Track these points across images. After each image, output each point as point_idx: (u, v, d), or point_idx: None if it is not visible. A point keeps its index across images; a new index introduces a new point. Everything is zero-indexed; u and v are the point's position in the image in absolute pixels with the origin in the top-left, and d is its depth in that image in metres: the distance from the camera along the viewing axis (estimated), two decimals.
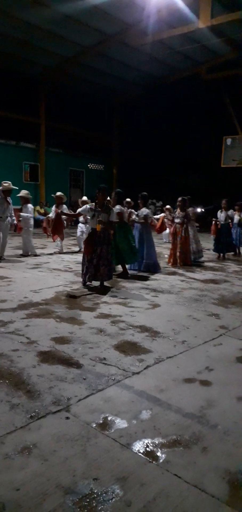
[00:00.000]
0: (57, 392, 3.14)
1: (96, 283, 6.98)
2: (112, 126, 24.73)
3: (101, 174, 25.06)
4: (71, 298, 6.12)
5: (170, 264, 9.79)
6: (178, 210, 10.04)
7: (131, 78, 21.36)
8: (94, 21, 15.84)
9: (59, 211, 10.13)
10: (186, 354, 4.11)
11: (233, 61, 18.62)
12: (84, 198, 12.68)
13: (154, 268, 8.76)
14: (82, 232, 11.38)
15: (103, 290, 6.70)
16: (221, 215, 11.52)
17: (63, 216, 10.50)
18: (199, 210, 24.58)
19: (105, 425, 2.72)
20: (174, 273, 8.70)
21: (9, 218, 9.59)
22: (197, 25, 14.86)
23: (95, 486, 2.15)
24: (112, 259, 7.10)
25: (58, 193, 11.43)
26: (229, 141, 19.76)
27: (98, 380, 3.37)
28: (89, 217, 7.16)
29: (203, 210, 23.58)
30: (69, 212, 10.82)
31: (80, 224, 11.77)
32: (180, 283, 7.68)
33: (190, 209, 10.56)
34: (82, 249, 8.01)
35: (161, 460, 2.39)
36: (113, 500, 2.06)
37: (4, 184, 9.44)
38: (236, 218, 12.23)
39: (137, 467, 2.31)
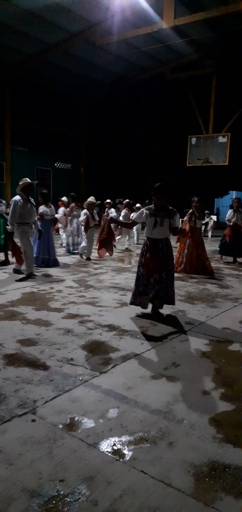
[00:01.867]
0: (23, 395, 3.09)
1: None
2: (80, 125, 24.63)
3: (68, 173, 24.90)
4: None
5: (185, 271, 8.64)
6: (196, 211, 8.84)
7: (97, 77, 21.35)
8: (58, 19, 15.72)
9: (108, 217, 7.40)
10: (153, 351, 4.15)
11: (197, 61, 18.99)
12: (64, 198, 12.72)
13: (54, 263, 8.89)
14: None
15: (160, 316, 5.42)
16: (236, 215, 10.55)
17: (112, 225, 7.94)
18: None
19: (72, 426, 2.71)
20: None
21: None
22: (161, 25, 15.03)
23: (62, 488, 2.13)
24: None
25: (90, 198, 10.23)
26: (194, 140, 20.11)
27: (65, 381, 3.35)
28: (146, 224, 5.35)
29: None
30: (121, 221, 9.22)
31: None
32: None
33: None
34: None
35: (127, 458, 2.41)
36: (80, 500, 2.05)
37: (20, 182, 7.47)
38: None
39: (104, 466, 2.32)
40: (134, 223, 5.95)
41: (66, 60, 18.88)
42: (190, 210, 8.93)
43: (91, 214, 10.01)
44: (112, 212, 13.82)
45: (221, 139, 19.28)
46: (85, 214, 10.10)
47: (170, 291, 5.31)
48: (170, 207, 5.28)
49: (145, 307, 5.46)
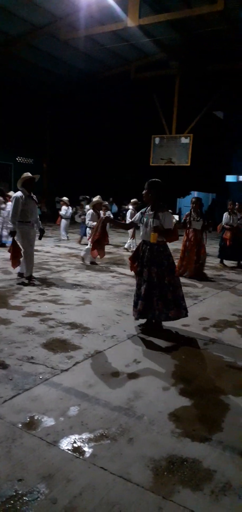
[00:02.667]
0: None
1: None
2: (44, 120, 24.22)
3: (30, 168, 24.43)
4: None
5: (182, 275, 8.19)
6: (194, 213, 8.50)
7: (62, 73, 21.07)
8: (21, 11, 15.36)
9: (103, 217, 6.37)
10: (115, 348, 4.17)
11: (161, 61, 19.18)
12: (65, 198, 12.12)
13: None
14: None
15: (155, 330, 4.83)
16: (234, 218, 10.30)
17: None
18: (131, 207, 25.14)
19: (31, 425, 2.67)
20: (105, 270, 8.78)
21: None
22: (126, 24, 15.06)
23: (20, 487, 2.10)
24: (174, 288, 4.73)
25: (97, 198, 9.63)
26: (157, 140, 20.32)
27: (25, 379, 3.30)
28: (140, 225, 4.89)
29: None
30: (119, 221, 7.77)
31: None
32: (111, 279, 7.78)
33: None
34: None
35: (88, 455, 2.41)
36: (38, 499, 2.03)
37: (22, 177, 6.88)
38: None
39: (64, 464, 2.31)
40: (132, 224, 5.36)
41: (30, 53, 18.48)
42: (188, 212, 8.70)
43: (97, 215, 9.33)
44: (110, 215, 13.31)
45: (184, 140, 19.61)
46: (91, 214, 9.39)
47: (160, 304, 4.61)
48: (160, 205, 4.74)
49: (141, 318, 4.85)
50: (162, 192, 4.81)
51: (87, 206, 13.36)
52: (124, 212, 23.33)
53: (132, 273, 5.08)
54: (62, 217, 14.21)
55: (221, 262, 10.48)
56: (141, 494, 2.13)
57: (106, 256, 10.70)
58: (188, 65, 18.90)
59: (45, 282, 7.00)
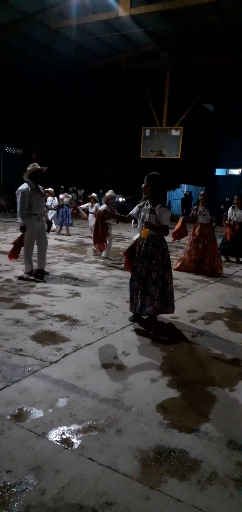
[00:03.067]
0: None
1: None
2: (33, 110, 23.97)
3: (20, 159, 24.20)
4: None
5: (182, 268, 8.23)
6: (201, 206, 8.32)
7: (52, 62, 20.83)
8: None
9: (101, 210, 6.66)
10: (104, 340, 4.19)
11: (153, 53, 19.09)
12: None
13: None
14: None
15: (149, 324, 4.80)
16: (237, 213, 10.07)
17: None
18: (120, 199, 25.09)
19: (20, 416, 2.68)
20: (95, 262, 8.78)
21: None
22: (118, 13, 14.94)
23: (8, 479, 2.12)
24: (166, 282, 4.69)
25: (110, 192, 9.57)
26: (148, 132, 20.28)
27: (13, 371, 3.30)
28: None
29: (124, 199, 24.07)
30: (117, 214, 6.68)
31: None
32: (100, 271, 7.78)
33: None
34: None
35: (76, 446, 2.44)
36: (27, 490, 2.05)
37: (28, 168, 6.68)
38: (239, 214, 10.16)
39: (52, 455, 2.33)
40: (130, 217, 5.08)
41: (19, 41, 18.21)
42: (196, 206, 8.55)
43: (110, 209, 9.09)
44: (98, 207, 13.05)
45: (174, 133, 19.60)
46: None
47: (144, 298, 4.59)
48: (157, 200, 4.69)
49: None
50: (161, 186, 4.77)
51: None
52: (115, 204, 23.27)
53: (122, 265, 5.07)
54: (48, 208, 14.12)
55: (227, 258, 10.21)
56: (128, 484, 2.16)
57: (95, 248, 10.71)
58: (179, 57, 18.86)
59: (34, 274, 6.97)
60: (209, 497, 2.11)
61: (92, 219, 12.69)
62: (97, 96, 22.31)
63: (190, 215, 8.63)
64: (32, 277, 6.64)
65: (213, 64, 18.96)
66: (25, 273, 6.74)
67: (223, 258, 9.60)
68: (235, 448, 2.54)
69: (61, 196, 14.18)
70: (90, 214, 12.30)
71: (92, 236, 12.65)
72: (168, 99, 19.95)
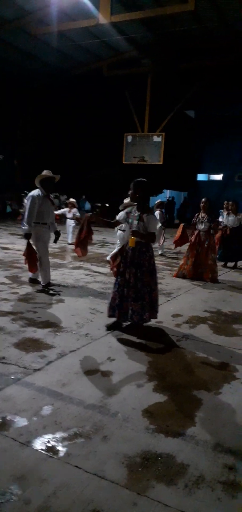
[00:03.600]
0: None
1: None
2: (15, 116, 23.79)
3: (1, 165, 23.93)
4: None
5: (187, 276, 8.15)
6: (202, 213, 8.31)
7: (33, 68, 20.76)
8: None
9: (88, 215, 5.66)
10: (89, 346, 4.16)
11: (134, 59, 19.24)
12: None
13: None
14: None
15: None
16: (229, 218, 10.11)
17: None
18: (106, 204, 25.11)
19: (3, 425, 2.62)
20: (79, 267, 8.73)
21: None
22: (98, 21, 15.01)
23: None
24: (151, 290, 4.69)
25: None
26: (130, 138, 20.39)
27: None
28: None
29: (107, 205, 24.08)
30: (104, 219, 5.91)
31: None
32: (84, 277, 7.74)
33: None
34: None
35: (62, 454, 2.40)
36: (11, 500, 2.00)
37: (41, 174, 6.45)
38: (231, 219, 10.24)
39: (37, 464, 2.28)
40: (117, 222, 5.00)
41: None
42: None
43: (161, 214, 8.77)
44: (76, 213, 13.01)
45: (156, 139, 19.76)
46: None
47: (135, 306, 4.56)
48: (145, 207, 4.66)
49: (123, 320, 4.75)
50: (149, 193, 4.74)
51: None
52: (97, 210, 23.25)
53: (106, 271, 5.05)
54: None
55: (225, 265, 10.15)
56: (115, 491, 2.13)
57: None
58: (160, 64, 19.06)
59: (17, 281, 6.89)
60: (197, 501, 2.11)
61: (69, 225, 12.60)
62: (79, 102, 22.32)
63: (192, 222, 8.58)
64: (50, 287, 6.42)
65: (194, 71, 19.25)
66: (43, 285, 6.45)
67: (220, 264, 9.73)
68: (222, 451, 2.54)
69: None
70: (67, 220, 12.30)
71: (70, 241, 12.59)
72: (149, 106, 20.12)
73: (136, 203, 4.73)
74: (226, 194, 21.38)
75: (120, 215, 4.87)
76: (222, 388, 3.40)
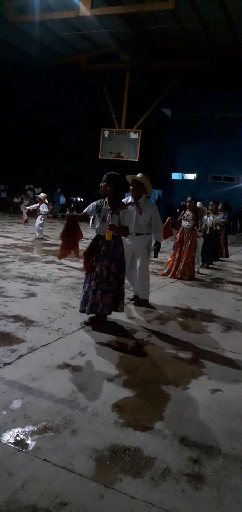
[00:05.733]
0: None
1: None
2: None
3: None
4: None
5: (169, 275, 8.20)
6: (188, 211, 8.39)
7: (8, 56, 20.35)
8: None
9: (68, 212, 5.52)
10: (60, 341, 4.16)
11: (112, 54, 19.22)
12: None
13: None
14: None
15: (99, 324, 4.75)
16: (208, 218, 10.09)
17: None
18: (79, 199, 24.96)
19: None
20: (52, 262, 8.68)
21: None
22: (78, 13, 14.90)
23: None
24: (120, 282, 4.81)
25: (42, 194, 10.62)
26: (106, 133, 20.37)
27: None
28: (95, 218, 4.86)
29: (82, 199, 23.99)
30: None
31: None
32: (57, 271, 7.71)
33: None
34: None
35: (30, 448, 2.41)
36: None
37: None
38: (210, 220, 10.34)
39: (6, 458, 2.29)
40: (85, 215, 4.97)
41: None
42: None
43: None
44: (44, 208, 12.90)
45: (133, 135, 19.83)
46: None
47: (104, 298, 4.62)
48: (118, 201, 4.74)
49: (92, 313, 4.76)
50: (121, 186, 4.79)
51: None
52: (73, 204, 23.10)
53: (80, 265, 5.01)
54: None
55: (207, 265, 10.31)
56: (83, 484, 2.17)
57: (53, 248, 10.61)
58: (139, 60, 19.11)
59: None
60: (162, 493, 2.17)
61: (39, 219, 12.53)
62: (55, 94, 22.09)
63: (178, 219, 8.66)
64: None
65: (171, 69, 19.43)
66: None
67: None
68: (187, 444, 2.62)
69: None
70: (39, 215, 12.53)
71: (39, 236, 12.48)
72: (127, 102, 20.16)
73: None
74: (200, 194, 21.73)
75: (89, 207, 4.87)
76: (190, 383, 3.50)
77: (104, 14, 15.10)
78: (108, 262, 4.62)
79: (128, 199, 5.82)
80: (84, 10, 14.64)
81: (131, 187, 5.74)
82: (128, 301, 5.83)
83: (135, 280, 5.98)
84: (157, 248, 5.89)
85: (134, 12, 14.99)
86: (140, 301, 5.91)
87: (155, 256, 5.91)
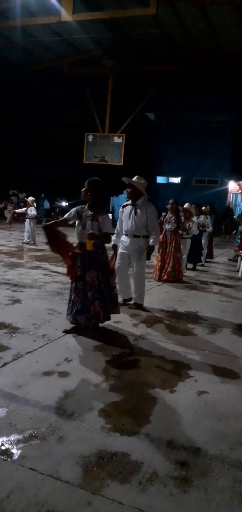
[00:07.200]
0: None
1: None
2: None
3: None
4: None
5: (156, 279, 8.26)
6: (169, 213, 8.42)
7: None
8: None
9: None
10: (46, 347, 4.12)
11: (95, 59, 19.22)
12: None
13: None
14: None
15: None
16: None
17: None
18: (64, 204, 24.85)
19: None
20: (37, 267, 8.61)
21: None
22: (60, 18, 14.87)
23: None
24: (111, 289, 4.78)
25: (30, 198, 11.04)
26: (90, 138, 20.36)
27: None
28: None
29: (67, 204, 23.90)
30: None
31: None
32: (43, 277, 7.65)
33: None
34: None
35: (16, 456, 2.37)
36: None
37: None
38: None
39: None
40: (66, 220, 4.85)
41: None
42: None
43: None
44: (32, 211, 12.79)
45: (117, 139, 19.86)
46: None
47: (102, 306, 4.60)
48: (98, 207, 4.63)
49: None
50: (102, 192, 4.74)
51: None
52: (58, 209, 23.01)
53: (65, 271, 4.89)
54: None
55: (193, 267, 10.47)
56: (70, 491, 2.14)
57: (38, 253, 10.54)
58: (121, 65, 19.17)
59: None
60: (150, 497, 2.16)
61: (27, 223, 12.59)
62: (38, 99, 21.99)
63: (159, 221, 8.41)
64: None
65: (154, 74, 19.54)
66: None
67: (190, 266, 10.15)
68: (175, 447, 2.62)
69: None
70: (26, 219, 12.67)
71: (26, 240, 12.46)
72: (110, 106, 20.19)
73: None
74: (184, 197, 21.89)
75: (70, 212, 4.79)
76: (177, 386, 3.50)
77: (86, 20, 15.11)
78: (96, 271, 4.57)
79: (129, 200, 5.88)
80: (66, 16, 14.61)
81: (128, 189, 5.82)
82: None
83: (127, 284, 5.99)
84: (149, 250, 5.82)
85: (116, 17, 15.03)
86: (136, 305, 5.93)
87: (148, 258, 5.90)
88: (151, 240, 5.76)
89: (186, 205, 8.90)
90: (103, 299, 4.62)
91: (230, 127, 29.18)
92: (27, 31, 16.86)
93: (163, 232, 8.38)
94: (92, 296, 4.56)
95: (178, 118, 30.60)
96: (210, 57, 17.84)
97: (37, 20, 15.64)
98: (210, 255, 12.62)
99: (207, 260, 11.89)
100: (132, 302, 6.02)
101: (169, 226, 8.35)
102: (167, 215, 8.47)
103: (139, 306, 5.92)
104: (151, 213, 5.76)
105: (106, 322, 4.94)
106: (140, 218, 5.70)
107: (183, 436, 2.75)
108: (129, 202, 5.90)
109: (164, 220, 8.44)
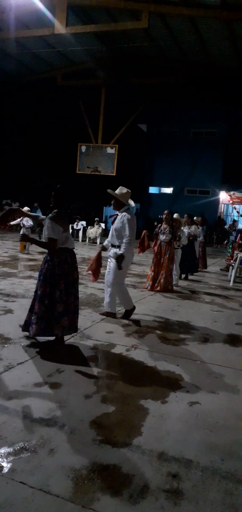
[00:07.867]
0: None
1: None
2: None
3: None
4: None
5: (148, 288, 8.23)
6: (164, 224, 8.38)
7: None
8: None
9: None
10: (37, 358, 4.10)
11: (88, 71, 19.41)
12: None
13: None
14: None
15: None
16: (184, 230, 9.76)
17: None
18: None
19: None
20: (29, 277, 8.57)
21: None
22: (53, 30, 15.01)
23: None
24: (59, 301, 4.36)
25: (25, 208, 9.95)
26: (83, 148, 20.46)
27: None
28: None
29: None
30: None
31: None
32: (35, 286, 7.59)
33: None
34: None
35: (6, 470, 2.34)
36: None
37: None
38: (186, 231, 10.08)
39: None
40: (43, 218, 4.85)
41: None
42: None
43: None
44: (28, 221, 12.76)
45: (110, 150, 19.99)
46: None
47: (52, 320, 4.30)
48: (51, 212, 4.57)
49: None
50: (62, 199, 4.53)
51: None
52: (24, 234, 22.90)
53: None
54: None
55: (186, 277, 10.48)
56: (60, 505, 2.12)
57: (30, 263, 10.49)
58: (114, 77, 19.39)
59: None
60: (141, 511, 2.14)
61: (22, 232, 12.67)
62: (32, 109, 22.08)
63: (154, 232, 8.62)
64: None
65: (146, 86, 19.76)
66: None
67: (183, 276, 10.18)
68: (166, 459, 2.61)
69: None
70: (22, 228, 12.84)
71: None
72: (103, 117, 20.36)
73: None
74: (176, 207, 22.01)
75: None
76: (168, 396, 3.49)
77: (79, 32, 15.30)
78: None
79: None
80: (59, 28, 14.77)
81: (112, 200, 5.92)
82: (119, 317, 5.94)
83: (123, 295, 6.01)
84: (117, 259, 5.63)
85: (108, 30, 15.25)
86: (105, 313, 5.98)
87: (119, 268, 5.69)
88: (120, 250, 5.68)
89: (175, 215, 8.94)
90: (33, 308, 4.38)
91: (221, 138, 29.48)
92: (21, 43, 17.01)
93: (158, 243, 8.39)
94: (32, 303, 4.45)
95: (169, 129, 30.85)
96: (200, 69, 18.11)
97: (31, 32, 15.79)
98: (204, 265, 12.67)
99: (199, 270, 11.93)
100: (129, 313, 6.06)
101: (164, 237, 8.31)
102: (162, 225, 8.43)
103: (107, 314, 5.94)
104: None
105: (99, 334, 4.93)
106: (117, 227, 5.73)
107: (175, 447, 2.74)
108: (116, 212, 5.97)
109: (159, 231, 8.42)
